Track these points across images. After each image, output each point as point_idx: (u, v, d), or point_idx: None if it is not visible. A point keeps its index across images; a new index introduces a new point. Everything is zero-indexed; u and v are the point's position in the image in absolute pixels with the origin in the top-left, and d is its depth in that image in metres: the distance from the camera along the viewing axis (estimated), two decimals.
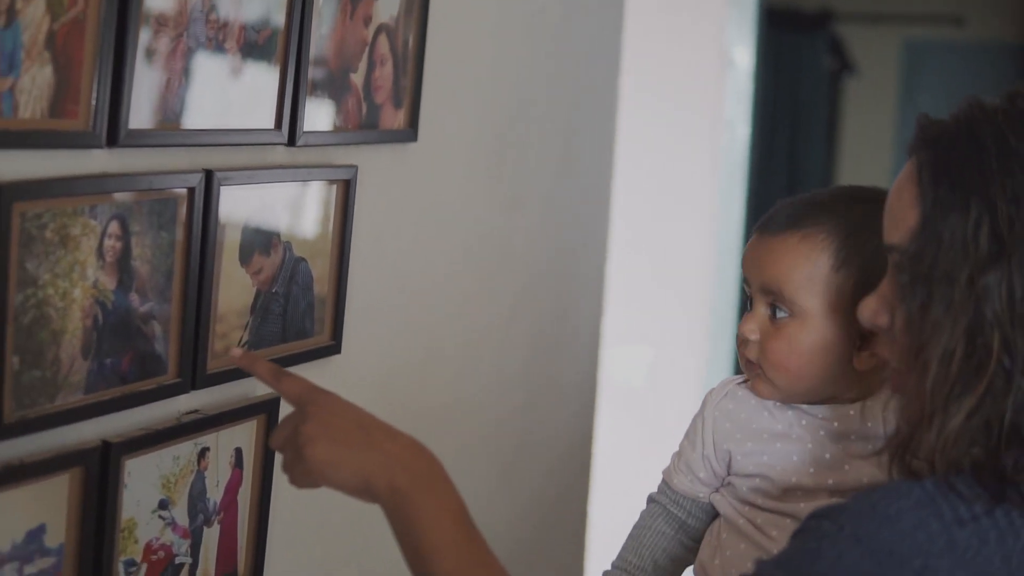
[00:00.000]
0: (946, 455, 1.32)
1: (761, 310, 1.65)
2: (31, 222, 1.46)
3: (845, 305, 1.60)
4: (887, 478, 1.53)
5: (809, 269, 1.61)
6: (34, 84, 1.43)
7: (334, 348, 2.07)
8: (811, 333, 1.61)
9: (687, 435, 1.76)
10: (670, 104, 4.01)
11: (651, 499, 1.82)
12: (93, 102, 1.51)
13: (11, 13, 1.39)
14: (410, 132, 2.19)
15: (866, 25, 7.46)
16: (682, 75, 4.03)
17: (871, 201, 1.63)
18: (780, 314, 1.63)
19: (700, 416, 1.74)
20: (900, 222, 1.39)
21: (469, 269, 2.52)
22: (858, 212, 1.63)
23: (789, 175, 6.97)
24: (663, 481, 1.81)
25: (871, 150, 7.21)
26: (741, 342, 1.67)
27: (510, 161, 2.62)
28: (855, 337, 1.61)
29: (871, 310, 1.46)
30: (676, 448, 1.79)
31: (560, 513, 3.02)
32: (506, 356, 2.71)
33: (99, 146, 1.54)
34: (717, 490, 1.74)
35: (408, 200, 2.26)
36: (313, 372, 2.02)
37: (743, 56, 4.20)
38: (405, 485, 1.45)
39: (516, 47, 2.60)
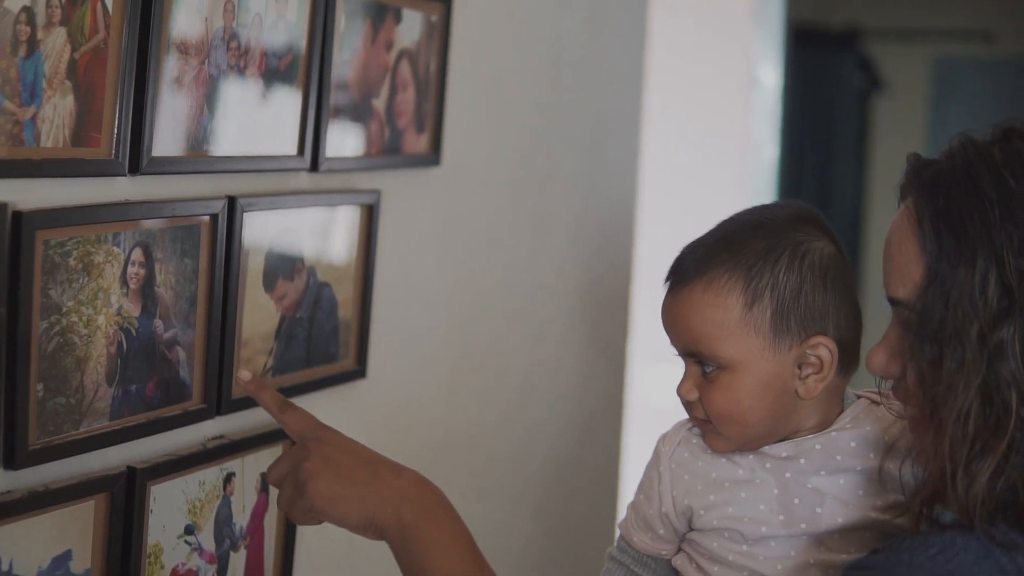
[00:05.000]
0: (978, 512, 1.29)
1: (692, 368, 1.58)
2: (54, 250, 1.47)
3: (769, 339, 1.54)
4: (867, 517, 1.51)
5: (720, 316, 1.53)
6: (56, 113, 1.45)
7: (359, 372, 2.07)
8: (745, 378, 1.54)
9: (642, 487, 1.67)
10: (696, 125, 4.01)
11: (611, 557, 1.72)
12: (115, 130, 1.53)
13: (32, 43, 1.40)
14: (433, 156, 2.20)
15: (895, 43, 7.45)
16: (708, 95, 4.02)
17: (774, 224, 1.58)
18: (709, 368, 1.56)
19: (655, 468, 1.64)
20: (904, 277, 1.36)
21: (494, 292, 2.52)
22: (758, 241, 1.56)
23: (819, 195, 6.96)
24: (622, 537, 1.71)
25: (902, 169, 7.17)
26: (684, 403, 1.60)
27: (534, 183, 2.62)
28: (792, 367, 1.54)
29: (880, 361, 1.42)
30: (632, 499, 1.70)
31: (588, 534, 3.01)
32: (532, 377, 2.71)
33: (122, 174, 1.55)
34: (678, 551, 1.65)
35: (432, 224, 2.27)
36: (339, 397, 2.03)
37: (770, 75, 4.20)
38: (412, 519, 1.45)
39: (539, 69, 2.60)
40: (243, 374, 1.57)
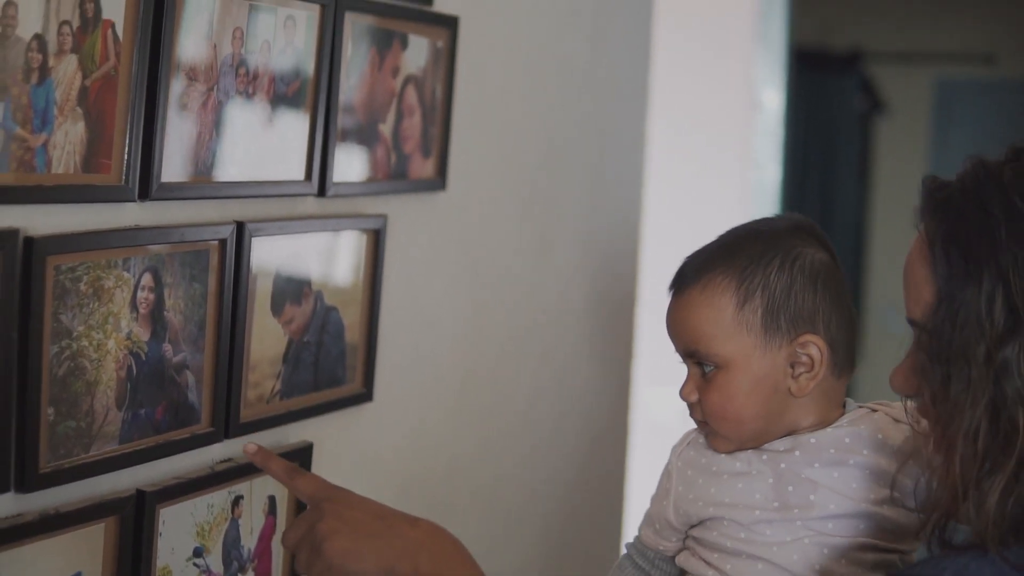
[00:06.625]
0: (990, 532, 1.30)
1: (693, 370, 1.64)
2: (65, 275, 1.48)
3: (761, 338, 1.59)
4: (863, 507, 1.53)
5: (714, 316, 1.60)
6: (67, 139, 1.46)
7: (366, 396, 2.08)
8: (739, 377, 1.60)
9: (658, 484, 1.73)
10: (699, 147, 4.02)
11: (625, 549, 1.80)
12: (125, 156, 1.54)
13: (43, 70, 1.42)
14: (439, 181, 2.21)
15: (897, 64, 7.46)
16: (711, 118, 4.03)
17: (771, 232, 1.63)
18: (707, 369, 1.62)
19: (666, 467, 1.71)
20: (918, 298, 1.38)
21: (499, 315, 2.53)
22: (753, 247, 1.62)
23: (822, 216, 6.96)
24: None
25: (904, 190, 7.16)
26: (687, 406, 1.67)
27: (539, 207, 2.63)
28: (784, 365, 1.60)
29: (900, 379, 1.45)
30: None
31: (593, 554, 3.02)
32: (538, 398, 2.72)
33: (132, 199, 1.56)
34: (682, 550, 1.71)
35: (438, 248, 2.28)
36: (345, 420, 2.04)
37: (772, 98, 4.21)
38: (430, 569, 1.45)
39: (543, 94, 2.62)
40: (249, 447, 1.59)
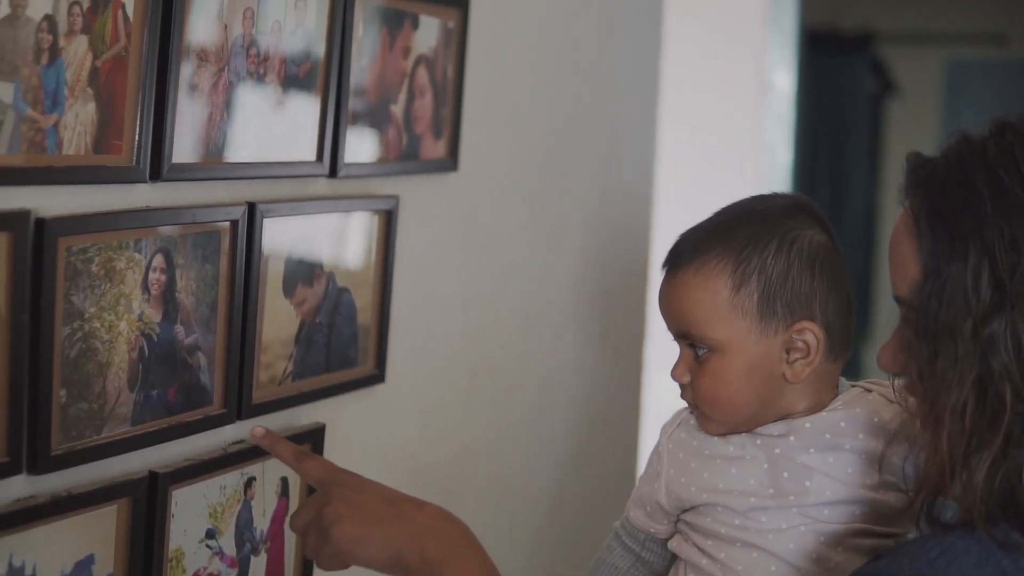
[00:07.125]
0: (978, 509, 1.30)
1: (686, 351, 1.62)
2: (77, 256, 1.48)
3: (756, 322, 1.57)
4: (852, 494, 1.54)
5: (709, 299, 1.58)
6: (78, 120, 1.45)
7: (378, 377, 2.08)
8: (732, 361, 1.58)
9: (647, 465, 1.72)
10: (710, 129, 4.01)
11: (613, 530, 1.79)
12: (136, 137, 1.53)
13: (54, 51, 1.41)
14: (450, 162, 2.21)
15: (908, 46, 7.45)
16: (722, 100, 4.02)
17: (768, 212, 1.62)
18: (701, 351, 1.60)
19: (656, 449, 1.70)
20: (904, 275, 1.38)
21: (511, 297, 2.53)
22: (750, 227, 1.60)
23: (833, 198, 6.95)
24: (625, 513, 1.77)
25: None
26: (678, 386, 1.65)
27: (551, 189, 2.63)
28: (779, 351, 1.58)
29: (888, 357, 1.45)
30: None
31: (603, 538, 3.02)
32: (549, 383, 2.72)
33: (143, 180, 1.56)
34: (674, 534, 1.69)
35: (449, 229, 2.27)
36: (357, 401, 2.04)
37: (783, 80, 4.20)
38: (437, 554, 1.44)
39: (555, 76, 2.61)
40: (257, 430, 1.58)
